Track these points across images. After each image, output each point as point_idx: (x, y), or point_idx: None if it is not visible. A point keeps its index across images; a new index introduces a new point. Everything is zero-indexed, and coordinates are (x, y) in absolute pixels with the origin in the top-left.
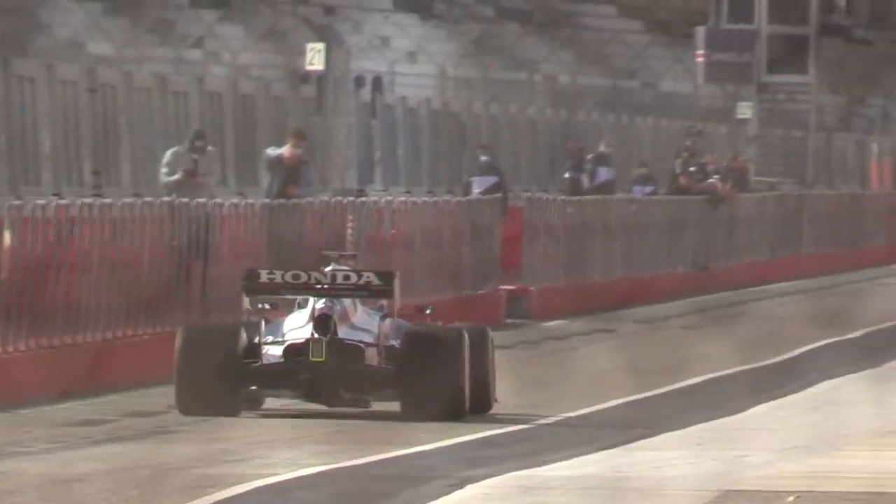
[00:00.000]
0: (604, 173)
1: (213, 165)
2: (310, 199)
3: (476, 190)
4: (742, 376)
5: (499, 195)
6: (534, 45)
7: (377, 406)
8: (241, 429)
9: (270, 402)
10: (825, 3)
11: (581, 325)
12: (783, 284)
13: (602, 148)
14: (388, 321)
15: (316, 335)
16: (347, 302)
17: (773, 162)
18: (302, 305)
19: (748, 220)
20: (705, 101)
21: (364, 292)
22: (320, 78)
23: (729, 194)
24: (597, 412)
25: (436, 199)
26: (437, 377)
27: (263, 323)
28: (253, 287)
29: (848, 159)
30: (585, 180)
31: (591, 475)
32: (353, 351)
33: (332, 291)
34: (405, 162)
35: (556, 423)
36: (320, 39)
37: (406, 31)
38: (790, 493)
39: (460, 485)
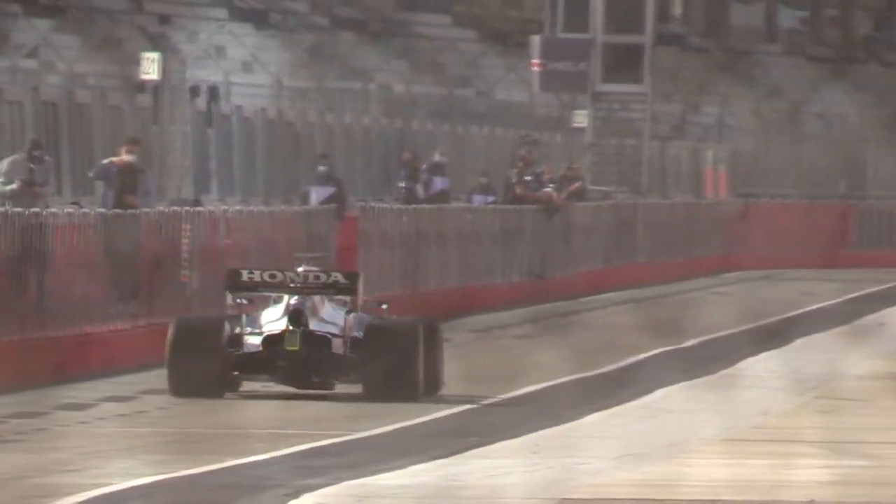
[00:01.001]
0: (439, 182)
1: (50, 175)
2: (146, 208)
3: (314, 199)
4: (577, 385)
5: (335, 205)
6: (368, 55)
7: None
8: (76, 438)
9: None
10: (660, 12)
11: None
12: (618, 293)
13: (437, 157)
14: (352, 315)
15: (290, 327)
16: (317, 298)
17: (608, 171)
18: (276, 301)
19: (583, 229)
20: (541, 109)
21: (332, 290)
22: (156, 87)
23: (562, 203)
24: (431, 421)
25: (271, 208)
26: (395, 365)
27: (244, 316)
28: (235, 285)
29: (682, 168)
30: (420, 189)
31: (425, 484)
32: (323, 341)
33: (304, 289)
34: (241, 171)
35: (390, 433)
36: (156, 49)
37: (241, 40)
38: (625, 500)
39: (295, 494)
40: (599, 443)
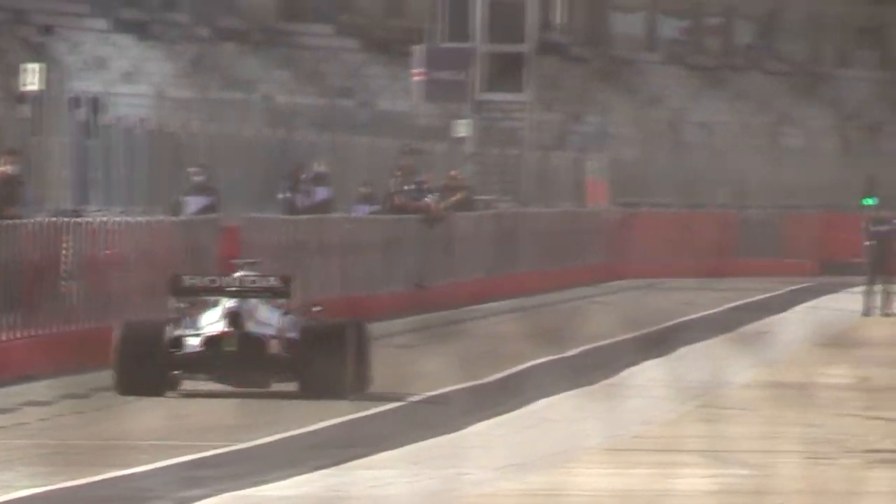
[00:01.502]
0: (321, 192)
1: None
2: (26, 219)
3: (189, 209)
4: (460, 394)
5: (214, 215)
6: (250, 65)
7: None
8: None
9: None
10: (541, 21)
11: None
12: (500, 303)
13: (319, 167)
14: (287, 317)
15: (228, 329)
16: (253, 301)
17: (490, 180)
18: (215, 304)
19: (465, 239)
20: (423, 119)
21: (267, 293)
22: (37, 98)
23: (440, 212)
24: (313, 432)
25: (150, 219)
26: (327, 364)
27: (185, 319)
28: (176, 290)
29: (564, 177)
30: (302, 200)
31: (308, 495)
32: (259, 342)
33: (241, 292)
34: (122, 182)
35: (273, 443)
36: (37, 59)
37: (123, 51)
38: None
39: None
40: (483, 453)
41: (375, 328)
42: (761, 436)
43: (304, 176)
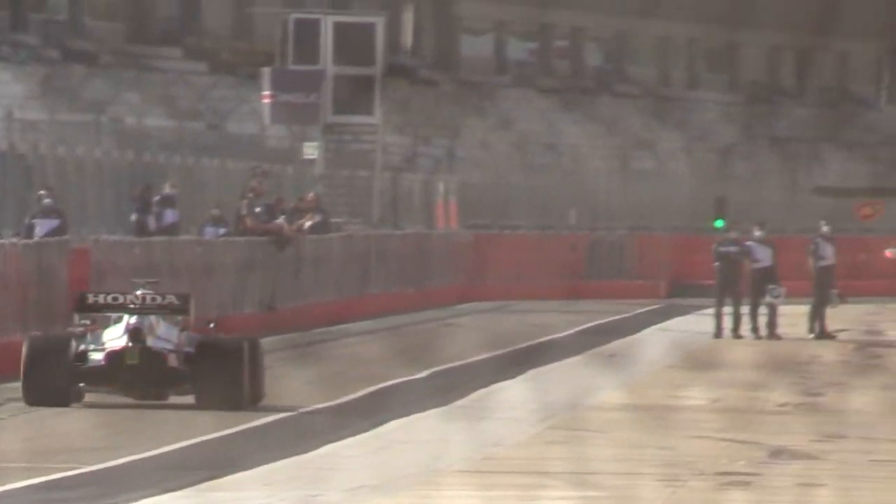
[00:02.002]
0: (170, 215)
1: None
2: None
3: (38, 232)
4: (313, 416)
5: (63, 237)
6: (99, 87)
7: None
8: None
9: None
10: (391, 44)
11: None
12: (353, 325)
13: (168, 190)
14: (184, 333)
15: (130, 344)
16: (153, 318)
17: (340, 202)
18: (117, 321)
19: (315, 261)
20: (272, 141)
21: (167, 310)
22: None
23: (292, 234)
24: (166, 453)
25: (1, 241)
26: (222, 377)
27: (88, 334)
28: (81, 307)
29: (414, 199)
30: (152, 222)
31: None
32: (159, 356)
33: (142, 310)
34: None
35: (125, 465)
36: None
37: None
38: None
39: None
40: (334, 474)
41: None
42: (616, 458)
43: (155, 198)
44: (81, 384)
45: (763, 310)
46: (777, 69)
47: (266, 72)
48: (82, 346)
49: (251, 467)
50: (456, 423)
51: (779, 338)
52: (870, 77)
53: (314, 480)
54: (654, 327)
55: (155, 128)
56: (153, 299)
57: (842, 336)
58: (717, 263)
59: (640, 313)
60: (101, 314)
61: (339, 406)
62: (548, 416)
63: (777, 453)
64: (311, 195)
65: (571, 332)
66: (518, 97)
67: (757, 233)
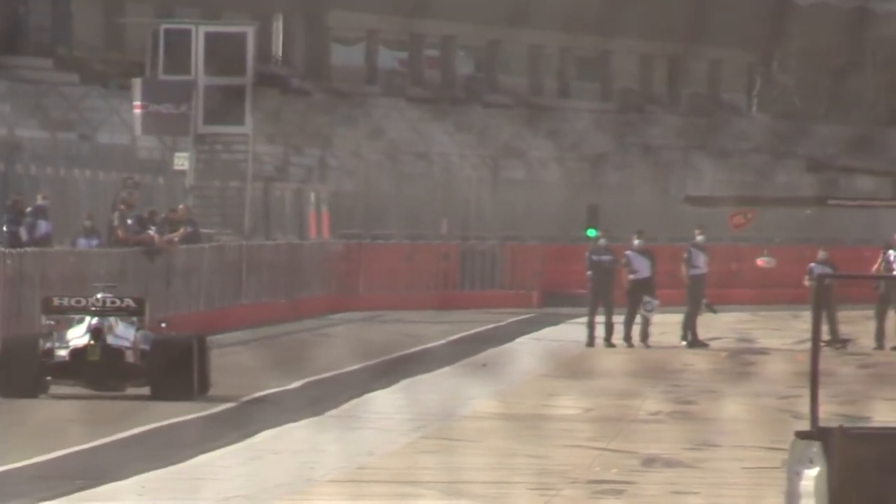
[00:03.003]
0: (43, 226)
1: None
2: None
3: None
4: (185, 426)
5: None
6: None
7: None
8: None
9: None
10: (261, 54)
11: None
12: (225, 335)
13: (40, 201)
14: (140, 332)
15: (92, 342)
16: (112, 319)
17: (212, 213)
18: (80, 321)
19: (186, 272)
20: (143, 152)
21: (125, 311)
22: None
23: (164, 246)
24: (42, 462)
25: None
26: (175, 371)
27: (54, 333)
28: (48, 308)
29: (286, 209)
30: (24, 233)
31: None
32: (118, 353)
33: (103, 311)
34: None
35: None
36: None
37: None
38: None
39: None
40: (208, 484)
41: None
42: (489, 467)
43: (27, 209)
44: (48, 378)
45: (637, 319)
46: (649, 77)
47: (137, 82)
48: (49, 344)
49: (125, 477)
50: (329, 432)
51: (649, 346)
52: (741, 85)
53: (188, 490)
54: (526, 336)
55: (26, 138)
56: (112, 302)
57: (715, 344)
58: (589, 272)
59: (512, 322)
60: (65, 316)
61: (212, 416)
62: (421, 425)
63: (650, 461)
64: (181, 207)
65: (444, 341)
66: (389, 106)
67: (636, 242)
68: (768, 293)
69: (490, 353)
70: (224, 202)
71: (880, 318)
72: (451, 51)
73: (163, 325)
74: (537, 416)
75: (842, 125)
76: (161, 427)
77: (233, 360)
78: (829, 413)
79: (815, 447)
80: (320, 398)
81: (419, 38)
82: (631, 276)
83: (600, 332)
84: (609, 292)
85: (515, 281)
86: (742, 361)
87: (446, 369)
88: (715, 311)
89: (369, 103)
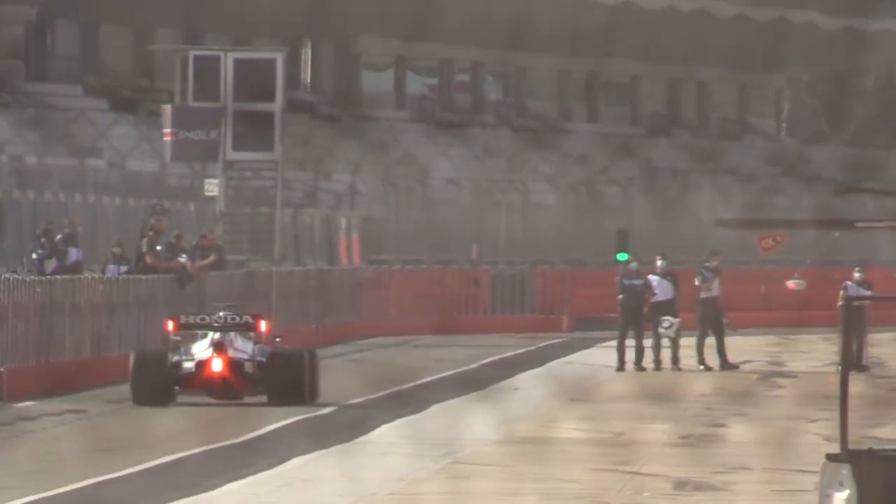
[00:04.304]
0: (73, 253)
1: None
2: None
3: None
4: (212, 454)
5: None
6: None
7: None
8: None
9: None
10: (290, 80)
11: (52, 406)
12: None
13: (70, 228)
14: (257, 346)
15: (214, 355)
16: (233, 333)
17: (242, 239)
18: (203, 336)
19: (217, 298)
20: (173, 179)
21: (243, 328)
22: None
23: (196, 272)
24: (58, 495)
25: None
26: (288, 380)
27: (181, 347)
28: (183, 326)
29: (316, 235)
30: (55, 260)
31: None
32: (238, 365)
33: (223, 327)
34: None
35: None
36: None
37: None
38: None
39: None
40: None
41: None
42: (520, 491)
43: (57, 237)
44: (176, 388)
45: (666, 342)
46: (678, 102)
47: (167, 109)
48: (177, 357)
49: None
50: (357, 459)
51: (680, 370)
52: (770, 108)
53: None
54: (556, 361)
55: (55, 166)
56: (232, 319)
57: (745, 367)
58: (620, 296)
59: (542, 347)
60: (192, 331)
61: (239, 444)
62: (450, 450)
63: (681, 485)
64: (210, 233)
65: (473, 366)
66: (418, 132)
67: (659, 263)
68: (797, 315)
69: (520, 377)
70: (254, 228)
71: None
72: (480, 76)
73: (277, 339)
74: (568, 440)
75: (867, 148)
76: (187, 456)
77: None
78: (860, 436)
79: (846, 469)
80: (350, 424)
81: (448, 63)
82: (652, 299)
83: (631, 356)
84: (639, 316)
85: (546, 305)
86: (771, 384)
87: (474, 394)
88: (735, 332)
89: (398, 129)
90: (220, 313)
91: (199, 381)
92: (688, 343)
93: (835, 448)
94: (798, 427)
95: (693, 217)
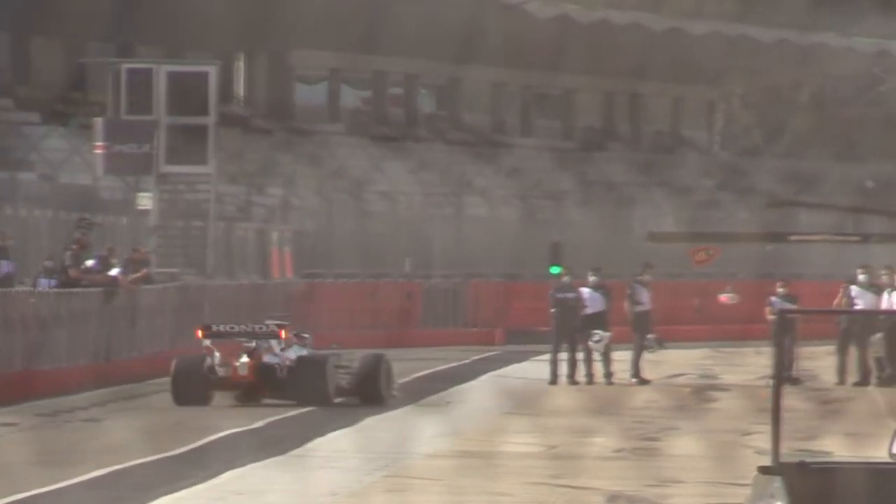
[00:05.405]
0: (4, 266)
1: None
2: None
3: None
4: (146, 467)
5: None
6: None
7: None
8: None
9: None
10: (223, 94)
11: None
12: None
13: (2, 241)
14: (291, 349)
15: (247, 360)
16: (273, 340)
17: (175, 252)
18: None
19: (149, 311)
20: (105, 192)
21: (263, 335)
22: None
23: (128, 286)
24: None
25: None
26: (313, 382)
27: (216, 353)
28: (210, 334)
29: (249, 249)
30: None
31: None
32: (269, 368)
33: (251, 334)
34: None
35: None
36: None
37: None
38: None
39: None
40: None
41: (60, 402)
42: None
43: None
44: (212, 390)
45: (597, 356)
46: (611, 115)
47: (99, 122)
48: (212, 362)
49: None
50: (292, 472)
51: (612, 383)
52: (703, 121)
53: None
54: (489, 374)
55: None
56: (260, 328)
57: (677, 381)
58: (553, 309)
59: (475, 360)
60: (224, 339)
61: (174, 457)
62: (384, 464)
63: (614, 498)
64: (143, 247)
65: (407, 379)
66: (351, 145)
67: (591, 278)
68: (730, 329)
69: (454, 390)
70: (187, 242)
71: (841, 354)
72: (414, 89)
73: (333, 345)
74: (500, 453)
75: (801, 161)
76: (122, 469)
77: None
78: (792, 448)
79: (777, 482)
80: (285, 437)
81: (381, 75)
82: (582, 313)
83: (564, 369)
84: (573, 329)
85: (479, 318)
86: (703, 398)
87: (409, 407)
88: (664, 346)
89: (332, 142)
90: (267, 322)
91: (229, 384)
92: (623, 357)
93: (767, 461)
94: (731, 440)
95: (627, 230)
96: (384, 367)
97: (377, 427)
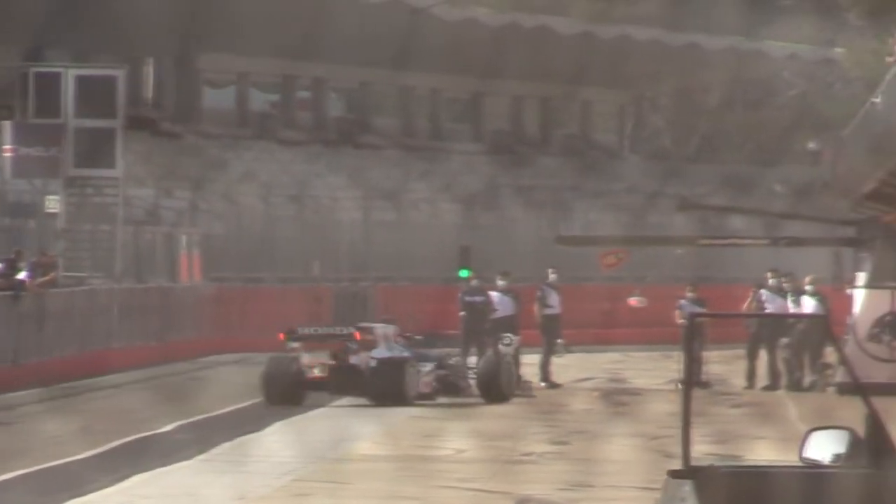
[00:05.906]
0: None
1: None
2: None
3: None
4: (54, 471)
5: None
6: None
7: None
8: None
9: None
10: (132, 97)
11: None
12: (94, 380)
13: None
14: (374, 350)
15: (333, 361)
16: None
17: (83, 256)
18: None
19: (57, 315)
20: (13, 195)
21: (337, 338)
22: None
23: (35, 289)
24: None
25: None
26: (391, 383)
27: (303, 355)
28: (296, 337)
29: (157, 252)
30: None
31: None
32: (354, 369)
33: (332, 336)
34: None
35: None
36: None
37: None
38: None
39: None
40: None
41: None
42: None
43: None
44: (303, 390)
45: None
46: (521, 119)
47: (6, 125)
48: (302, 363)
49: None
50: (197, 476)
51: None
52: (614, 126)
53: None
54: None
55: None
56: (339, 331)
57: (587, 384)
58: (462, 313)
59: None
60: (307, 341)
61: (79, 462)
62: (291, 468)
63: (523, 502)
64: (50, 251)
65: None
66: (260, 149)
67: (500, 282)
68: (640, 332)
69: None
70: (95, 245)
71: (751, 358)
72: (323, 93)
73: (418, 337)
74: (414, 456)
75: (712, 165)
76: (36, 472)
77: (101, 404)
78: (702, 452)
79: (688, 486)
80: (190, 442)
81: (291, 80)
82: (492, 316)
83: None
84: (481, 332)
85: (387, 322)
86: (615, 401)
87: (324, 409)
88: (571, 351)
89: (241, 146)
90: (362, 325)
91: (321, 384)
92: (532, 361)
93: (677, 464)
94: (640, 444)
95: (536, 234)
96: (504, 366)
97: (283, 432)
